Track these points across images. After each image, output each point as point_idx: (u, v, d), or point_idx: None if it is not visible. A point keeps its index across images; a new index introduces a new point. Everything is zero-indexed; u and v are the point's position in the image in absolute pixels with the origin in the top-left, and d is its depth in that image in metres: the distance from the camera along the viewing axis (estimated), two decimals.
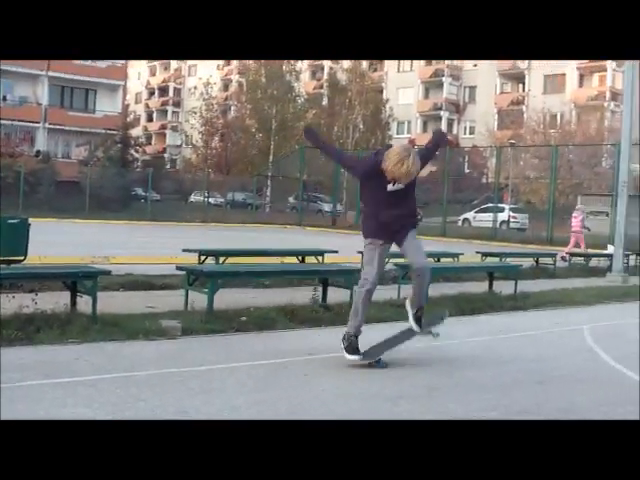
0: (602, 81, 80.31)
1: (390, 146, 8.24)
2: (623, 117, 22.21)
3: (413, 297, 8.70)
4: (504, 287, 14.15)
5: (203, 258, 14.60)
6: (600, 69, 79.69)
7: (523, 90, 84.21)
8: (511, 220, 49.09)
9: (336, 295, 11.52)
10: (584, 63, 79.13)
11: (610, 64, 77.45)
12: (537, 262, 20.74)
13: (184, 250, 15.09)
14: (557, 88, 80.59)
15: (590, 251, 26.69)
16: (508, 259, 19.01)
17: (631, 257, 23.65)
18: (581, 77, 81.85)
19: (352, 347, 8.14)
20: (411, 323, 8.55)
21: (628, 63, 21.46)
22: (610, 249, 23.91)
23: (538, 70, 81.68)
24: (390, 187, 7.96)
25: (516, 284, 14.13)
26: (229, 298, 10.88)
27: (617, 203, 21.40)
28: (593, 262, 23.34)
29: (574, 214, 29.10)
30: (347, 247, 19.18)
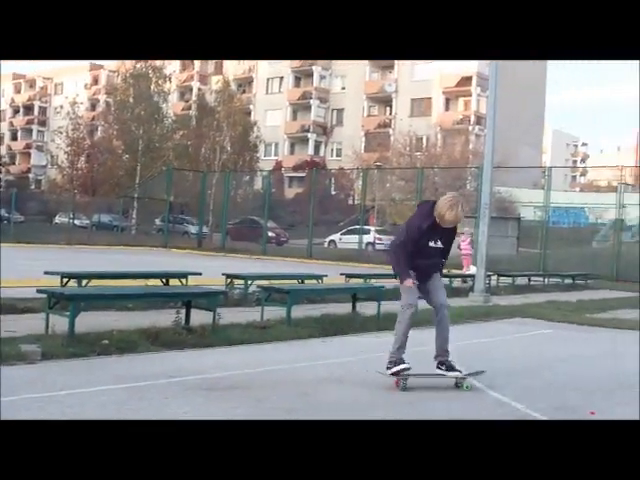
0: (467, 105, 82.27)
1: (426, 201, 9.18)
2: (486, 141, 22.74)
3: (438, 342, 9.18)
4: (368, 308, 14.32)
5: (65, 281, 14.38)
6: (465, 94, 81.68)
7: (390, 113, 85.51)
8: (376, 242, 49.56)
9: (199, 317, 11.49)
10: (450, 88, 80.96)
11: (475, 89, 79.43)
12: None
13: (46, 272, 14.82)
14: (423, 111, 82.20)
15: (453, 272, 27.23)
16: (372, 280, 19.20)
17: (493, 277, 24.22)
18: (447, 101, 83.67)
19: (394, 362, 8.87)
20: (450, 375, 8.99)
21: (491, 88, 21.96)
22: (472, 270, 24.43)
23: (405, 94, 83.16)
24: (432, 244, 8.89)
25: (379, 305, 14.29)
26: (91, 321, 10.71)
27: (480, 225, 21.85)
28: (456, 283, 23.75)
29: (462, 238, 29.68)
30: (212, 269, 19.17)
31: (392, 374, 8.79)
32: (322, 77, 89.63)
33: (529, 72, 75.33)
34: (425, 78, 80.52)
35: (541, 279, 28.05)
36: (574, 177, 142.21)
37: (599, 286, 28.88)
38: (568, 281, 28.58)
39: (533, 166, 65.40)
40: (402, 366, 8.81)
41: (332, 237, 53.39)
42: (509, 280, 25.91)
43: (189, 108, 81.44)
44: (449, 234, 9.09)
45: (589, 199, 65.88)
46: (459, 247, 29.97)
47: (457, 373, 8.99)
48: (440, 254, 9.09)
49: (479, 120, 76.27)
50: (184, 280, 16.00)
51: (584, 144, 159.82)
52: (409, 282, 8.88)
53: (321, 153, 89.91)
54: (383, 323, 13.56)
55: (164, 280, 15.80)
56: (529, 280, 26.91)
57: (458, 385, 8.91)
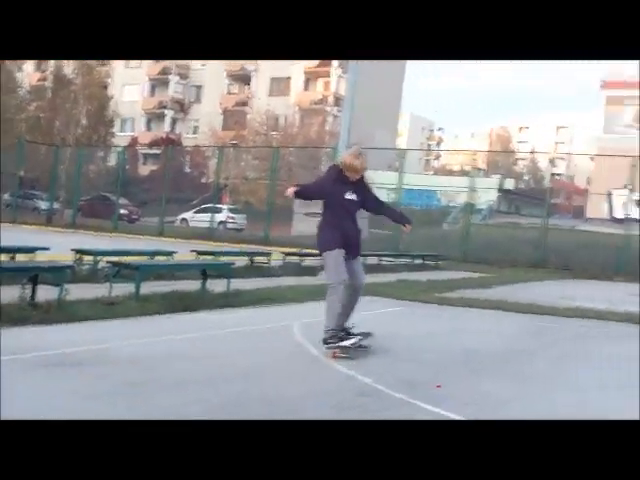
0: (327, 86, 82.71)
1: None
2: (342, 121, 22.92)
3: (342, 317, 9.81)
4: (218, 285, 14.28)
5: None
6: (325, 74, 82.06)
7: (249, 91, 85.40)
8: (229, 220, 49.55)
9: (46, 293, 11.25)
10: (311, 67, 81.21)
11: (335, 69, 79.96)
12: (252, 261, 21.06)
13: None
14: (283, 91, 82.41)
15: (305, 251, 27.24)
16: (222, 257, 19.20)
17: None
18: (307, 81, 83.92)
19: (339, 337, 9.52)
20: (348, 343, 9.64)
21: (352, 69, 22.10)
22: None
23: (265, 72, 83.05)
24: (348, 196, 9.64)
25: (229, 282, 14.28)
26: None
27: None
28: (307, 262, 23.75)
29: None
30: (62, 245, 18.81)
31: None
32: None
33: None
34: None
35: (392, 259, 28.35)
36: (428, 161, 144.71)
37: (448, 267, 29.49)
38: (418, 261, 29.07)
39: (388, 148, 66.18)
40: (351, 341, 9.61)
41: (184, 215, 53.12)
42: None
43: (45, 79, 79.33)
44: (361, 186, 9.83)
45: (442, 182, 67.12)
46: None
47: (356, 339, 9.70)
48: (358, 207, 9.85)
49: (337, 101, 77.00)
50: (31, 255, 15.65)
51: (440, 129, 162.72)
52: (291, 190, 9.72)
53: (178, 130, 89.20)
54: (232, 300, 13.59)
55: (10, 255, 15.41)
56: (380, 260, 27.19)
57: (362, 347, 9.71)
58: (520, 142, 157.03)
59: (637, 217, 43.19)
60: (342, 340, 9.46)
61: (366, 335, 9.85)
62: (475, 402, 7.61)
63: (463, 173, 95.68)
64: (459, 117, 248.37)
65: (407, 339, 11.56)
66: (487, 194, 54.35)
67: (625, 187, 37.29)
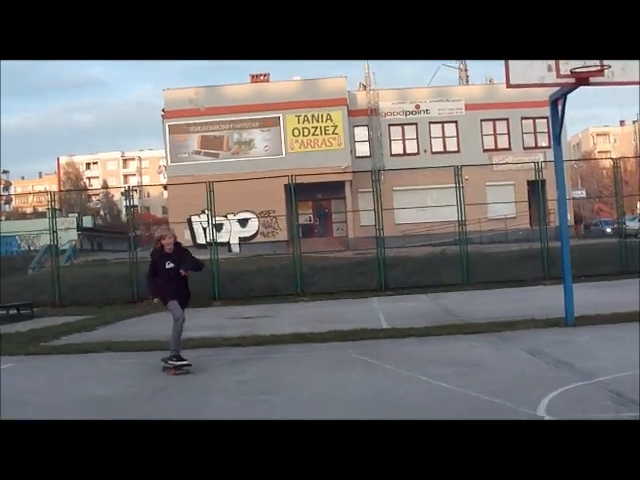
0: None
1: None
2: None
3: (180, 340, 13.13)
4: None
5: None
6: None
7: None
8: None
9: None
10: None
11: None
12: None
13: None
14: None
15: None
16: None
17: None
18: None
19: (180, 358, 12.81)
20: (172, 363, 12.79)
21: None
22: None
23: None
24: (167, 265, 12.98)
25: None
26: None
27: None
28: None
29: None
30: None
31: (175, 366, 12.68)
32: None
33: None
34: None
35: None
36: None
37: (44, 313, 28.72)
38: (13, 312, 28.13)
39: None
40: (184, 362, 12.73)
41: None
42: None
43: None
44: (177, 256, 13.08)
45: (19, 227, 65.73)
46: None
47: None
48: (176, 273, 12.94)
49: None
50: None
51: (5, 171, 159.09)
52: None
53: None
54: None
55: None
56: None
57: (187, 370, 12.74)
58: (90, 177, 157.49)
59: (222, 240, 44.75)
60: (177, 360, 12.68)
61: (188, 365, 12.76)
62: None
63: (38, 215, 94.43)
64: (23, 156, 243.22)
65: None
66: (67, 234, 53.87)
67: (203, 212, 38.30)
